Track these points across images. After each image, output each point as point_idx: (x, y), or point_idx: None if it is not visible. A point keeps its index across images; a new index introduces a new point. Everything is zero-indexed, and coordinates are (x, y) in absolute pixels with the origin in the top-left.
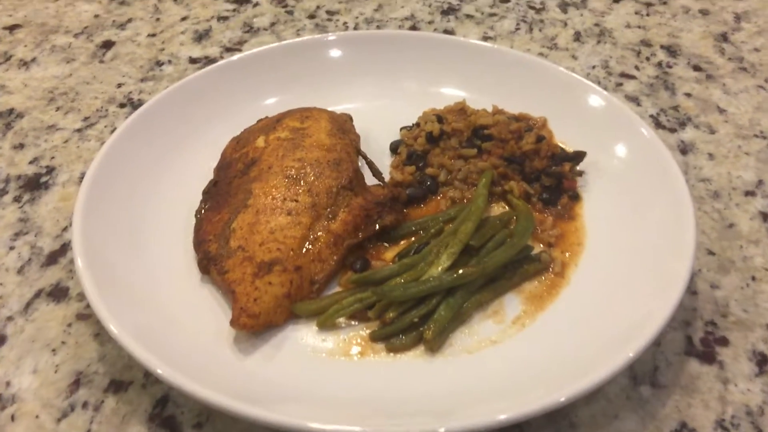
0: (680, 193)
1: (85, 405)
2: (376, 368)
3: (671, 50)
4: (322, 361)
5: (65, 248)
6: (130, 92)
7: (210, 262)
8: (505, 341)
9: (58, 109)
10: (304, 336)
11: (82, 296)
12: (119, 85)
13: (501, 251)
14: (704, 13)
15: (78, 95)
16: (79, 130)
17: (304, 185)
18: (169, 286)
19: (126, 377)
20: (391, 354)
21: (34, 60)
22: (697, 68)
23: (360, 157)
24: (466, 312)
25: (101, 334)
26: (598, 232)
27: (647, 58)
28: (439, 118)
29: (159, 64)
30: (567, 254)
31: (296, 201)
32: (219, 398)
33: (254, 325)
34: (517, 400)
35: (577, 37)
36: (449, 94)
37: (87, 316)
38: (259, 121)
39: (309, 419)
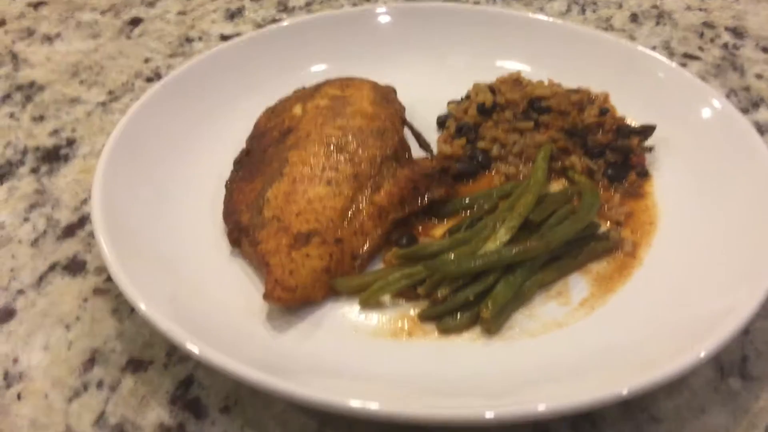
0: (766, 168)
1: (100, 384)
2: (426, 350)
3: (737, 32)
4: (365, 340)
5: (84, 221)
6: (158, 67)
7: (241, 233)
8: (572, 325)
9: (81, 82)
10: (346, 314)
11: (100, 270)
12: (146, 60)
13: (566, 225)
14: None
15: (103, 69)
16: (103, 104)
17: (345, 154)
18: (196, 260)
19: (146, 356)
20: (443, 335)
21: (58, 35)
22: (766, 50)
23: (406, 129)
24: (527, 292)
25: (120, 310)
26: (672, 211)
27: (711, 40)
28: (492, 89)
29: (189, 40)
30: (638, 234)
31: (336, 170)
32: (252, 373)
33: (290, 299)
34: (576, 388)
35: (634, 18)
36: (501, 68)
37: (105, 291)
38: (295, 92)
39: (350, 396)
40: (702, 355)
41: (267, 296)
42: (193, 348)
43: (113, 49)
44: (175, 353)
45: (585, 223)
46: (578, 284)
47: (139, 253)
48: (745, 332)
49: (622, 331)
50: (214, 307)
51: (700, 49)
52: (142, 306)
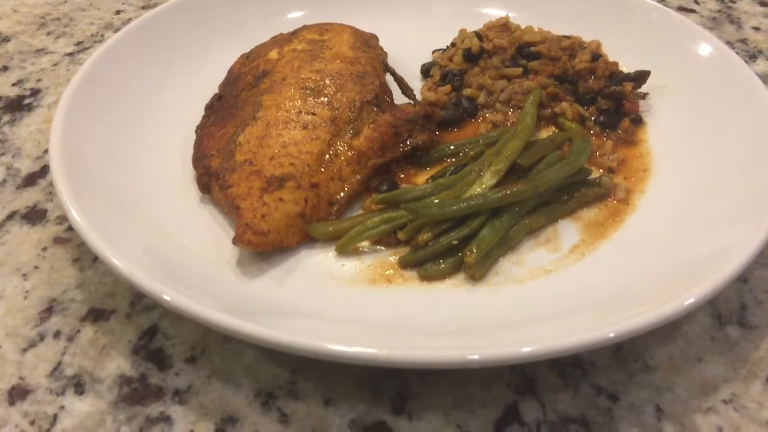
0: (766, 112)
1: (57, 335)
2: (407, 296)
3: None
4: (342, 288)
5: (45, 170)
6: (130, 19)
7: (211, 178)
8: (561, 271)
9: (48, 33)
10: (321, 261)
11: (62, 219)
12: (118, 12)
13: (555, 169)
14: None
15: (72, 21)
16: (70, 54)
17: (322, 98)
18: (164, 206)
19: (108, 305)
20: (425, 282)
21: None
22: (763, 4)
23: (388, 76)
24: (514, 237)
25: (81, 259)
26: (666, 158)
27: None
28: (479, 35)
29: None
30: (632, 181)
31: (313, 114)
32: (222, 317)
33: (261, 244)
34: (562, 331)
35: None
36: (487, 16)
37: (66, 240)
38: (272, 38)
39: (328, 340)
40: (693, 300)
41: (237, 240)
42: (157, 291)
43: (83, 1)
44: (139, 302)
45: (576, 167)
46: (568, 230)
47: (101, 199)
48: (744, 280)
49: (613, 276)
50: (181, 253)
51: (696, 2)
52: (101, 248)
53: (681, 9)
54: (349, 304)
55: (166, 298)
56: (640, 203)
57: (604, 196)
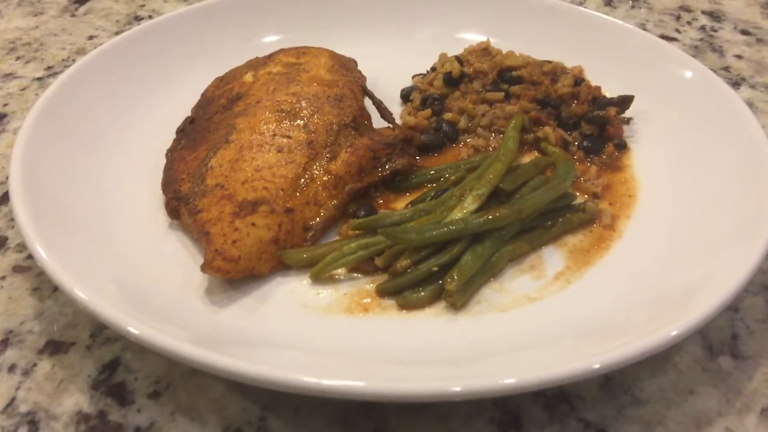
0: (753, 134)
1: (11, 368)
2: (386, 326)
3: (714, 16)
4: (316, 316)
5: (8, 197)
6: (102, 44)
7: (180, 202)
8: (546, 298)
9: (18, 58)
10: (295, 289)
11: (21, 247)
12: (90, 38)
13: (539, 194)
14: None
15: (43, 46)
16: (39, 79)
17: (298, 121)
18: (130, 233)
19: (67, 337)
20: (405, 311)
21: None
22: (745, 32)
23: (367, 99)
24: (496, 264)
25: (41, 289)
26: (652, 184)
27: (688, 23)
28: (459, 59)
29: (137, 19)
30: (617, 206)
31: (289, 137)
32: (187, 348)
33: (231, 270)
34: (547, 361)
35: (609, 2)
36: (468, 41)
37: (26, 268)
38: (248, 62)
39: (301, 372)
40: (681, 329)
41: (205, 266)
42: (119, 321)
43: (56, 26)
44: (100, 334)
45: (560, 191)
46: (553, 257)
47: (63, 225)
48: (735, 309)
49: (599, 304)
50: (146, 281)
51: (677, 31)
52: (60, 276)
53: (663, 37)
54: (324, 334)
55: (129, 329)
56: (627, 229)
57: (590, 221)
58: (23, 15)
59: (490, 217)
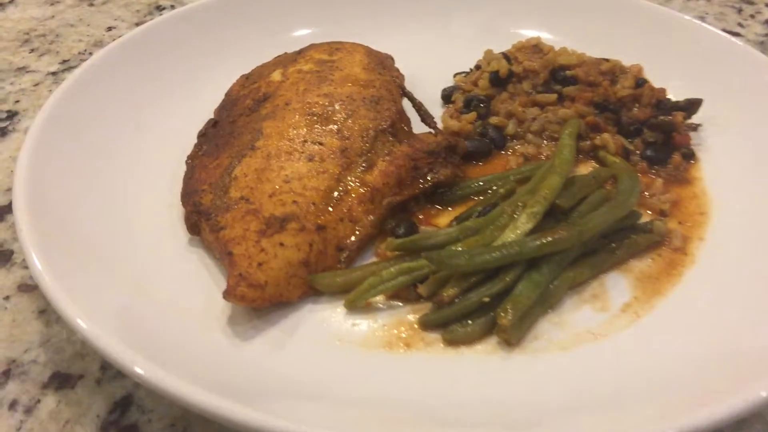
0: None
1: (13, 405)
2: (429, 366)
3: None
4: (351, 353)
5: None
6: (122, 35)
7: (201, 216)
8: (611, 335)
9: (32, 51)
10: (327, 318)
11: None
12: (109, 29)
13: (602, 212)
14: None
15: (58, 37)
16: (54, 74)
17: (331, 126)
18: (145, 251)
19: (75, 369)
20: (450, 347)
21: (11, 1)
22: None
23: (405, 101)
24: (555, 293)
25: (48, 311)
26: (725, 199)
27: (752, 16)
28: (507, 57)
29: (159, 9)
30: (687, 226)
31: (320, 144)
32: (205, 398)
33: (257, 299)
34: (615, 422)
35: None
36: (515, 36)
37: (32, 287)
38: (276, 58)
39: (333, 428)
40: None
41: (228, 294)
42: (127, 361)
43: (72, 16)
44: (111, 366)
45: (625, 210)
46: (617, 285)
47: (71, 243)
48: None
49: (672, 346)
50: (162, 309)
51: (740, 25)
52: (62, 303)
53: (725, 32)
54: (361, 376)
55: (136, 369)
56: (700, 253)
57: (658, 243)
58: (39, 4)
59: (548, 239)
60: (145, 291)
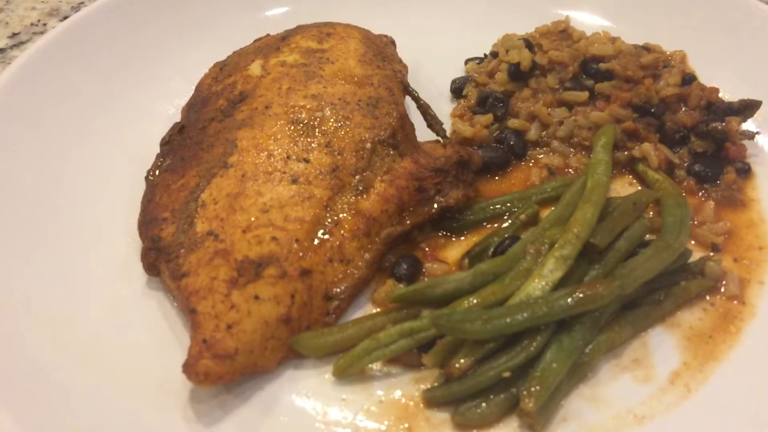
0: None
1: None
2: None
3: None
4: None
5: None
6: (82, 3)
7: (160, 255)
8: (657, 417)
9: None
10: (313, 390)
11: None
12: None
13: (646, 258)
14: None
15: (9, 4)
16: (2, 50)
17: (319, 136)
18: (87, 296)
19: None
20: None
21: None
22: None
23: (408, 98)
24: (589, 361)
25: None
26: None
27: None
28: (529, 43)
29: None
30: (744, 264)
31: (306, 161)
32: None
33: (225, 374)
34: None
35: None
36: (539, 12)
37: None
38: (256, 41)
39: None
40: None
41: (189, 368)
42: None
43: None
44: None
45: (674, 254)
46: (663, 346)
47: None
48: None
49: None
50: (101, 384)
51: None
52: None
53: None
54: None
55: None
56: (761, 302)
57: (711, 290)
58: None
59: (582, 295)
60: (86, 358)
